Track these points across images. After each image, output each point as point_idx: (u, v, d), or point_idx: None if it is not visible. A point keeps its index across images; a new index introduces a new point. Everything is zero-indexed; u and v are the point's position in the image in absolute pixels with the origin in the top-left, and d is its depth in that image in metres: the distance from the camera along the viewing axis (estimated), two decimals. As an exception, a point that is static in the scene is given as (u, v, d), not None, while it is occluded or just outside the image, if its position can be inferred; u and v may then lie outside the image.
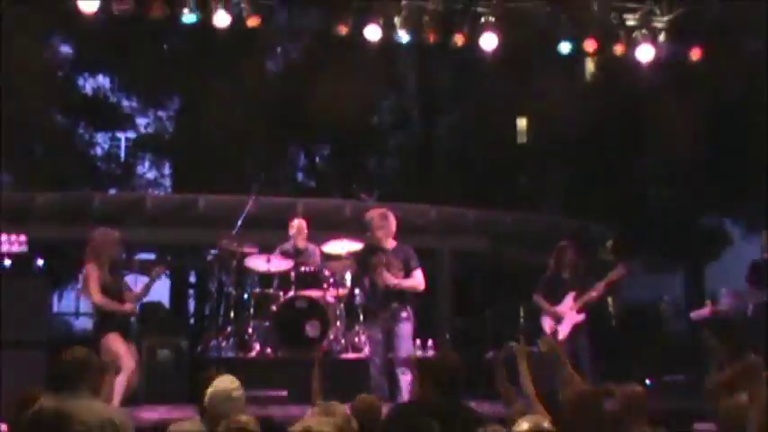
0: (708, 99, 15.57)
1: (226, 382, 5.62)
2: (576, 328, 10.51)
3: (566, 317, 10.46)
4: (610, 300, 13.98)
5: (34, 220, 12.72)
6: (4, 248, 10.22)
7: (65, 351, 5.56)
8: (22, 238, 10.33)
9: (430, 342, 12.40)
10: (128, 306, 9.18)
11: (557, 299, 10.54)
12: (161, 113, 24.04)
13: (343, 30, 11.35)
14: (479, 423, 5.61)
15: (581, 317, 10.50)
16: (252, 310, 11.54)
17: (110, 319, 9.06)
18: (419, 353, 11.17)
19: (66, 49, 22.55)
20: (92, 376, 5.51)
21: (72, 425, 4.81)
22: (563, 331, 10.42)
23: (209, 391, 5.57)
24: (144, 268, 9.65)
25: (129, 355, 8.95)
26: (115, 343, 8.91)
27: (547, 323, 10.59)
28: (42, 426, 4.74)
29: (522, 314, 14.36)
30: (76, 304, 24.99)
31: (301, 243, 11.81)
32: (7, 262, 10.38)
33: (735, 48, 12.33)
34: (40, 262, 11.71)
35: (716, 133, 18.02)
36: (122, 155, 25.44)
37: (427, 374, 6.02)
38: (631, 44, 12.07)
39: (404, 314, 9.53)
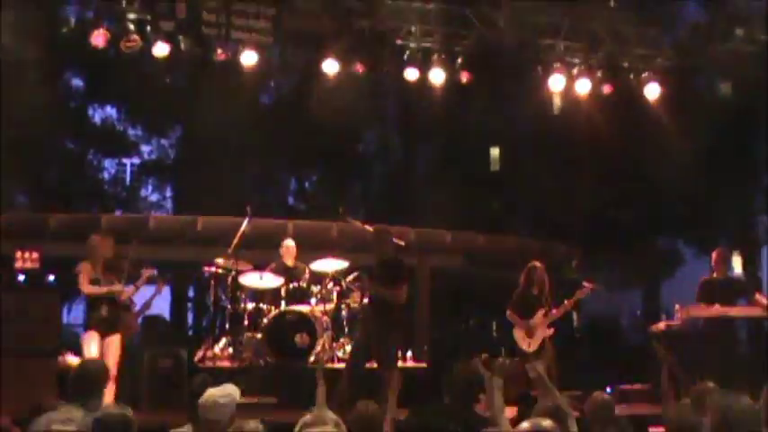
0: (663, 131, 15.65)
1: (220, 390, 5.57)
2: (545, 341, 10.54)
3: (537, 330, 10.47)
4: (574, 314, 14.02)
5: (47, 239, 12.70)
6: (19, 264, 10.22)
7: (79, 362, 5.55)
8: (35, 255, 10.35)
9: (409, 353, 12.41)
10: (116, 286, 9.21)
11: (528, 314, 10.53)
12: (163, 141, 24.10)
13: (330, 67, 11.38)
14: (486, 425, 5.70)
15: (550, 331, 10.52)
16: (245, 323, 11.51)
17: (90, 317, 9.18)
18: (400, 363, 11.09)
19: (77, 83, 22.60)
20: (102, 384, 5.52)
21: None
22: (534, 344, 10.43)
23: (201, 398, 5.53)
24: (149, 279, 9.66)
25: (98, 355, 8.93)
26: (87, 342, 9.05)
27: (519, 336, 10.59)
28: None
29: (494, 327, 14.39)
30: (84, 316, 24.89)
31: (291, 261, 11.81)
32: (21, 277, 10.34)
33: (687, 85, 12.42)
34: (52, 277, 11.63)
35: (672, 162, 18.12)
36: (128, 179, 25.43)
37: (447, 381, 6.01)
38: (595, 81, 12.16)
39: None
